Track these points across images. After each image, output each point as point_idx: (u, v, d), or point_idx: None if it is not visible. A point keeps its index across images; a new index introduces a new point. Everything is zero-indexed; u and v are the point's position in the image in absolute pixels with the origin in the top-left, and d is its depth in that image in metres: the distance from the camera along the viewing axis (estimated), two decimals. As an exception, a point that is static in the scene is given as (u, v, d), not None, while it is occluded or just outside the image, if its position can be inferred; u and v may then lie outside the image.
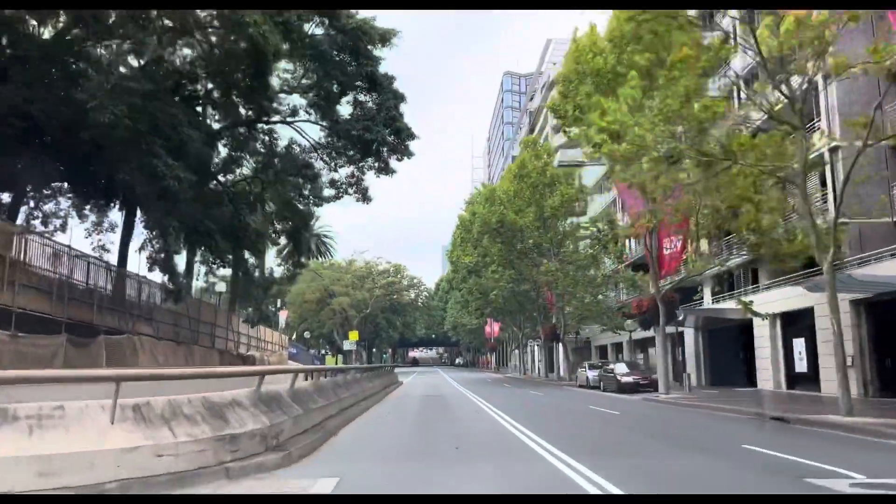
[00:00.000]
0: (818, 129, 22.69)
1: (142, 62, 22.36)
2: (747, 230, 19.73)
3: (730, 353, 32.53)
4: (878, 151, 19.94)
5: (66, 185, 26.22)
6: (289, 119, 29.48)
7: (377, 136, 26.66)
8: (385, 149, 28.67)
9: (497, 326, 71.56)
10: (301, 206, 29.58)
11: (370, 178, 32.17)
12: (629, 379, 27.25)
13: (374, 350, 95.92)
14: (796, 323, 25.60)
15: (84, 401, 6.24)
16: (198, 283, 39.05)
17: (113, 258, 25.42)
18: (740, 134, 17.53)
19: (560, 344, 44.55)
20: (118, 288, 21.53)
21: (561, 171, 37.52)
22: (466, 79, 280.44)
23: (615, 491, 6.50)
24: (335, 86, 27.88)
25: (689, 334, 33.96)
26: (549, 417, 16.35)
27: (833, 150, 21.86)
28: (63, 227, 28.47)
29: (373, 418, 15.40)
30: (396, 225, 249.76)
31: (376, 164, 29.40)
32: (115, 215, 28.04)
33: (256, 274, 32.53)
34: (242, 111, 28.37)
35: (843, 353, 13.54)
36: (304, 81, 28.55)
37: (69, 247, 18.64)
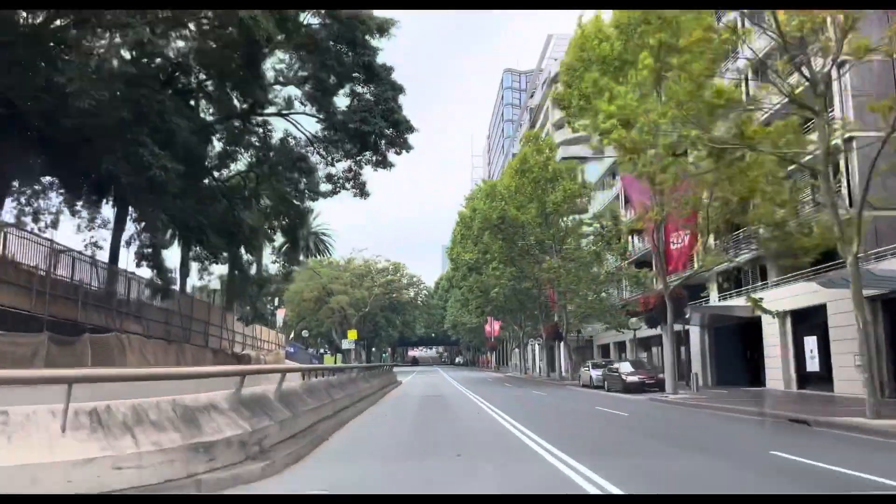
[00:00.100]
0: (831, 117, 21.91)
1: (134, 53, 21.58)
2: (760, 223, 18.96)
3: (736, 351, 31.76)
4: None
5: (56, 180, 25.42)
6: (284, 112, 28.67)
7: (374, 127, 25.85)
8: (383, 142, 27.85)
9: (497, 325, 70.79)
10: (297, 202, 28.73)
11: (368, 173, 31.28)
12: (635, 378, 26.47)
13: (373, 349, 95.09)
14: (807, 320, 24.82)
15: (32, 406, 5.44)
16: (194, 282, 38.36)
17: (106, 255, 24.69)
18: (751, 121, 16.77)
19: (562, 343, 43.77)
20: (106, 284, 20.73)
21: (563, 165, 36.69)
22: (466, 78, 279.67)
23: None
24: (331, 77, 27.06)
25: (694, 332, 33.17)
26: (554, 419, 15.57)
27: (847, 141, 21.06)
28: (55, 224, 27.66)
29: (369, 420, 14.62)
30: (396, 225, 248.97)
31: (374, 158, 28.59)
32: (110, 212, 27.38)
33: (252, 271, 31.72)
34: (237, 103, 27.56)
35: (869, 351, 12.75)
36: (299, 73, 27.73)
37: (52, 241, 17.83)
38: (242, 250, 30.45)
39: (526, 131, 45.43)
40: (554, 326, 41.13)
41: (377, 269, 74.99)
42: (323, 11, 25.16)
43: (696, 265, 22.76)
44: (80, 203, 27.07)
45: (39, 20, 20.19)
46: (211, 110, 28.47)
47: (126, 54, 21.33)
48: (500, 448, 9.88)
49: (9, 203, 24.66)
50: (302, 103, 27.45)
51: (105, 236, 27.37)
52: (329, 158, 30.41)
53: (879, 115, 12.58)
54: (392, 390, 29.03)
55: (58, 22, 18.85)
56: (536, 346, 62.16)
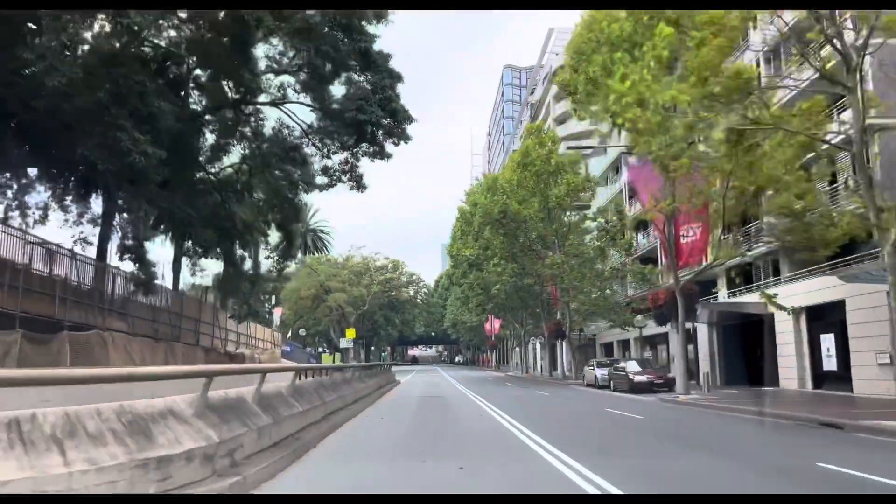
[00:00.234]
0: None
1: (124, 40, 20.50)
2: (779, 214, 17.90)
3: (746, 350, 30.67)
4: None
5: (43, 174, 24.30)
6: (278, 101, 27.61)
7: (371, 116, 24.77)
8: (381, 132, 26.78)
9: (498, 323, 69.76)
10: (290, 194, 27.64)
11: (366, 166, 30.41)
12: (642, 378, 25.41)
13: (372, 348, 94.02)
14: (824, 317, 23.76)
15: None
16: (187, 278, 37.25)
17: (95, 251, 23.60)
18: (772, 103, 15.73)
19: (564, 341, 42.70)
20: (93, 279, 19.65)
21: (566, 159, 35.56)
22: (466, 77, 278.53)
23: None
24: (327, 65, 25.99)
25: (702, 330, 32.07)
26: (562, 422, 14.50)
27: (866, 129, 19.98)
28: (43, 219, 26.56)
29: (363, 424, 13.55)
30: (395, 225, 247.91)
31: (371, 149, 27.53)
32: (100, 207, 26.27)
33: (246, 267, 30.62)
34: (228, 92, 26.50)
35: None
36: (294, 61, 26.61)
37: (25, 231, 16.75)
38: (236, 245, 29.38)
39: (528, 124, 44.29)
40: (557, 324, 40.04)
41: (376, 267, 73.91)
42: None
43: (708, 259, 21.66)
44: (69, 198, 26.07)
45: None
46: (204, 102, 27.44)
47: (116, 43, 20.40)
48: (508, 457, 8.86)
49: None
50: (295, 91, 26.38)
51: (95, 232, 26.39)
52: (325, 150, 29.36)
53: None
54: (390, 390, 27.95)
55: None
56: (538, 344, 61.09)
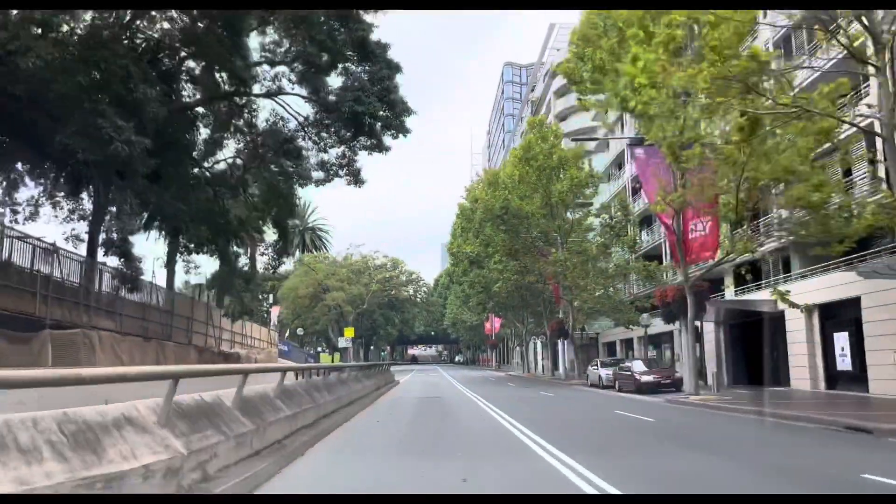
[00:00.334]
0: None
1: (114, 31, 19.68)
2: (796, 206, 17.11)
3: (754, 349, 29.83)
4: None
5: (34, 170, 23.45)
6: (273, 93, 26.75)
7: (369, 107, 23.93)
8: (378, 124, 25.94)
9: (498, 323, 68.93)
10: (286, 189, 26.79)
11: (364, 163, 29.59)
12: (649, 378, 24.61)
13: (371, 348, 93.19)
14: (837, 315, 22.96)
15: None
16: (184, 276, 36.46)
17: (88, 248, 22.78)
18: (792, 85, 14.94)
19: (566, 340, 41.87)
20: (71, 276, 18.83)
21: (570, 153, 34.68)
22: (466, 77, 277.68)
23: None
24: (323, 56, 25.19)
25: (708, 329, 31.28)
26: (572, 427, 13.67)
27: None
28: (33, 216, 25.73)
29: (358, 428, 12.73)
30: (395, 226, 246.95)
31: (369, 143, 26.70)
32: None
33: (240, 264, 29.77)
34: (221, 84, 25.67)
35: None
36: (290, 51, 25.74)
37: (3, 225, 15.92)
38: (230, 242, 28.53)
39: (530, 117, 43.44)
40: (559, 323, 39.20)
41: (375, 266, 73.05)
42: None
43: (719, 254, 20.83)
44: (61, 194, 25.24)
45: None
46: (197, 96, 26.63)
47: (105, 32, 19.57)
48: (517, 466, 8.06)
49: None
50: (290, 81, 25.52)
51: (88, 228, 25.54)
52: (321, 144, 28.52)
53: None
54: (388, 391, 27.13)
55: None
56: (539, 343, 60.26)
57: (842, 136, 18.01)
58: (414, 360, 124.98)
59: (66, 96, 13.49)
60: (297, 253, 72.94)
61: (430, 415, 16.11)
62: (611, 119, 22.51)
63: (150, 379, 5.32)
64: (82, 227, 24.32)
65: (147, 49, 23.03)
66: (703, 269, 21.53)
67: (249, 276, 28.33)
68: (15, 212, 24.84)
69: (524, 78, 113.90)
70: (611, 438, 11.21)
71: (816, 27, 12.72)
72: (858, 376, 21.21)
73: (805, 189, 16.44)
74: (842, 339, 22.50)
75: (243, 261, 29.61)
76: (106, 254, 18.12)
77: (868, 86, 17.88)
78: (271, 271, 30.04)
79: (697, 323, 28.89)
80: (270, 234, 31.71)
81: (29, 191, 25.36)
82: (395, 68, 25.94)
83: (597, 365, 31.01)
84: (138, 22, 21.49)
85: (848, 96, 12.86)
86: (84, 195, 24.54)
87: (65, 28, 13.56)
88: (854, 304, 21.28)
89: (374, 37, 25.55)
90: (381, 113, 25.58)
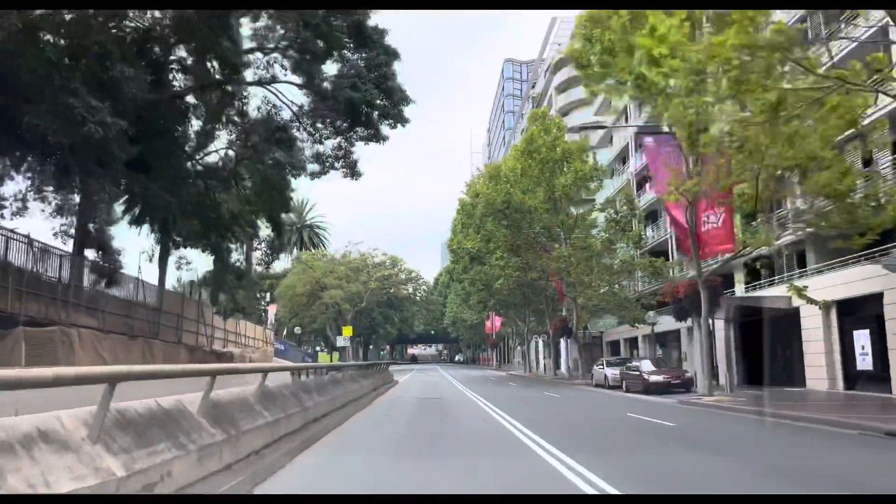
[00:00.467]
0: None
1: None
2: (819, 194, 16.04)
3: (766, 348, 28.73)
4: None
5: (17, 158, 22.33)
6: (265, 81, 25.66)
7: (365, 94, 22.86)
8: (376, 113, 24.88)
9: (499, 321, 67.88)
10: (279, 181, 25.70)
11: (363, 162, 28.46)
12: (658, 378, 23.56)
13: (370, 347, 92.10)
14: (857, 312, 21.88)
15: None
16: (176, 272, 35.25)
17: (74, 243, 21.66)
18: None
19: (569, 339, 40.82)
20: (50, 270, 17.75)
21: (573, 145, 33.58)
22: (465, 76, 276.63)
23: None
24: (318, 42, 24.13)
25: (718, 327, 30.14)
26: (584, 432, 12.58)
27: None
28: (21, 211, 24.62)
29: (351, 433, 11.64)
30: (394, 226, 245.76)
31: (366, 133, 25.63)
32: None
33: (233, 260, 28.67)
34: (212, 71, 24.60)
35: None
36: (284, 35, 24.63)
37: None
38: (222, 237, 27.43)
39: (532, 109, 42.36)
40: (562, 321, 38.11)
41: (374, 263, 71.95)
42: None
43: (733, 248, 19.75)
44: (49, 189, 24.16)
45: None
46: (189, 85, 25.55)
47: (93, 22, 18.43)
48: (530, 479, 6.98)
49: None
50: (283, 67, 24.44)
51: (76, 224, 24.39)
52: (317, 135, 27.49)
53: None
54: (386, 392, 26.06)
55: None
56: (540, 342, 59.20)
57: (865, 122, 17.02)
58: (413, 359, 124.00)
59: (34, 73, 12.41)
60: (295, 251, 71.89)
61: (428, 418, 15.04)
62: (620, 105, 21.40)
63: (62, 384, 4.21)
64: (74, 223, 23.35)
65: (136, 39, 22.00)
66: (718, 263, 20.45)
67: (242, 272, 27.24)
68: (1, 206, 23.78)
69: (525, 75, 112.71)
70: (629, 447, 10.11)
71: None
72: (880, 376, 20.14)
73: (832, 176, 15.39)
74: (862, 337, 21.41)
75: (236, 256, 28.51)
76: (82, 246, 16.99)
77: None
78: (265, 267, 28.86)
79: (710, 321, 27.84)
80: (265, 229, 30.58)
81: (17, 185, 24.35)
82: (393, 55, 24.88)
83: (602, 364, 29.94)
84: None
85: (884, 71, 11.74)
86: (74, 189, 23.54)
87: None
88: (876, 299, 20.21)
89: (370, 22, 24.59)
90: (379, 101, 24.55)
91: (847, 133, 17.25)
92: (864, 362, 21.27)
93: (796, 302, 23.85)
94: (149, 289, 25.17)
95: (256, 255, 36.78)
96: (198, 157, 27.15)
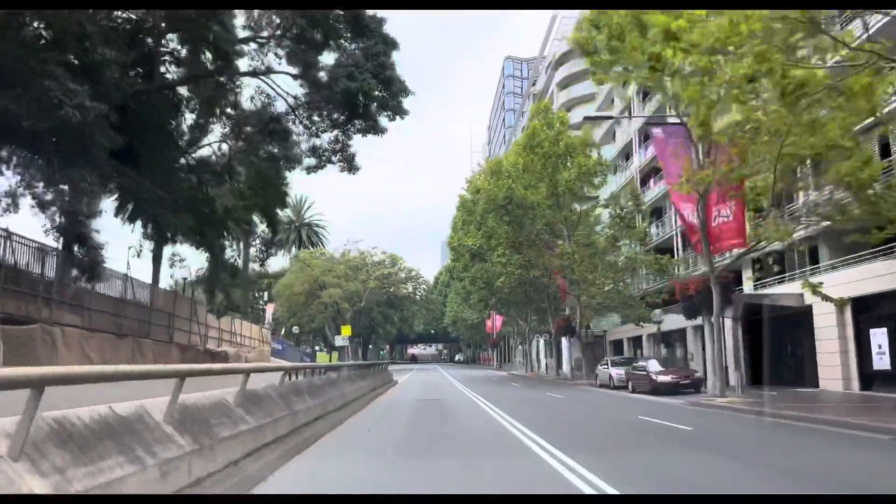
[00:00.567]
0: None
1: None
2: (841, 184, 15.23)
3: (776, 347, 27.97)
4: None
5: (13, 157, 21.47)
6: (260, 71, 24.83)
7: (363, 84, 22.03)
8: (374, 105, 24.06)
9: (500, 320, 67.07)
10: (273, 175, 24.88)
11: (359, 148, 27.66)
12: (666, 378, 22.74)
13: (370, 346, 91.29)
14: (873, 309, 21.06)
15: None
16: (169, 270, 34.42)
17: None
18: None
19: (572, 338, 39.98)
20: (31, 266, 16.91)
21: (577, 140, 32.73)
22: (465, 77, 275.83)
23: None
24: (316, 32, 23.32)
25: (726, 326, 29.33)
26: (597, 438, 11.75)
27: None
28: (12, 207, 23.79)
29: (344, 439, 10.82)
30: (394, 226, 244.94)
31: (364, 125, 24.80)
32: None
33: (227, 257, 27.83)
34: (205, 61, 23.80)
35: None
36: (279, 24, 23.80)
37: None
38: (215, 233, 26.59)
39: (535, 103, 41.52)
40: (565, 320, 37.28)
41: (373, 262, 71.09)
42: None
43: (749, 241, 18.93)
44: (39, 184, 23.32)
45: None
46: (181, 75, 24.75)
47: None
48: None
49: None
50: (277, 55, 23.61)
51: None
52: (313, 129, 26.67)
53: None
54: (385, 392, 25.25)
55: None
56: (541, 342, 58.37)
57: (885, 111, 16.25)
58: (414, 359, 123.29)
59: (6, 54, 11.60)
60: (294, 249, 71.08)
61: (428, 421, 14.23)
62: (628, 93, 20.57)
63: (5, 388, 3.41)
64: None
65: (128, 30, 21.25)
66: (730, 259, 19.62)
67: (236, 269, 26.39)
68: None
69: (525, 72, 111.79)
70: (650, 456, 9.28)
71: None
72: (898, 376, 19.36)
73: (854, 165, 14.60)
74: (878, 336, 20.58)
75: (230, 253, 27.66)
76: (65, 240, 16.15)
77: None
78: (260, 264, 28.03)
79: (719, 319, 26.99)
80: (261, 226, 29.73)
81: (7, 180, 23.53)
82: (392, 44, 24.07)
83: (607, 364, 29.11)
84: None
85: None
86: (58, 181, 22.70)
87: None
88: (893, 297, 19.45)
89: (369, 11, 23.77)
90: (377, 93, 23.72)
91: (867, 121, 16.54)
92: (881, 362, 20.44)
93: (809, 299, 23.01)
94: (140, 286, 24.36)
95: (252, 252, 36.00)
96: (191, 151, 26.36)
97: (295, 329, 61.90)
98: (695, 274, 24.15)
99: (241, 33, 24.04)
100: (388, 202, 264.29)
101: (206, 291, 29.87)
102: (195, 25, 21.04)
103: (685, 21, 10.03)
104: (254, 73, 24.77)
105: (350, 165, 26.83)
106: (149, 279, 26.23)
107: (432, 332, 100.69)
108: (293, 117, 26.21)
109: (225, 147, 26.49)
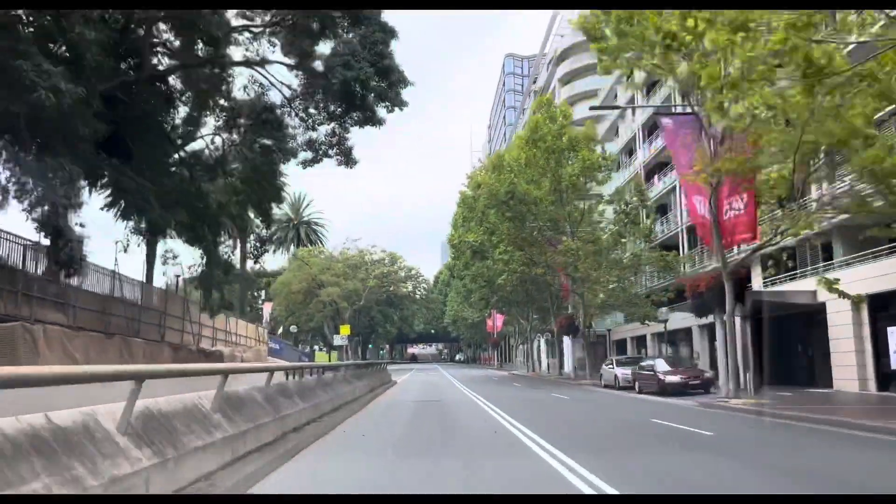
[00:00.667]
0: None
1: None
2: (865, 172, 14.43)
3: (786, 347, 27.15)
4: None
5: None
6: (254, 61, 24.01)
7: (360, 72, 21.20)
8: (371, 95, 23.23)
9: (500, 320, 66.27)
10: (267, 168, 24.06)
11: (358, 148, 26.81)
12: (675, 378, 21.90)
13: (370, 346, 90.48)
14: (890, 307, 20.26)
15: None
16: (164, 268, 33.54)
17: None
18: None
19: (575, 337, 39.16)
20: (12, 260, 16.09)
21: (581, 134, 31.90)
22: (465, 76, 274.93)
23: None
24: (312, 21, 22.52)
25: (735, 324, 28.53)
26: (611, 443, 10.91)
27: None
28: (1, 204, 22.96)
29: (335, 446, 10.00)
30: (394, 226, 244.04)
31: (361, 116, 23.99)
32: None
33: (221, 253, 26.99)
34: (196, 51, 22.98)
35: None
36: (275, 12, 22.98)
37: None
38: (207, 229, 25.75)
39: (537, 97, 40.70)
40: (568, 318, 36.45)
41: (372, 260, 70.24)
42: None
43: (758, 237, 18.11)
44: (28, 179, 22.50)
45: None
46: (172, 63, 23.94)
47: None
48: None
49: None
50: (271, 43, 22.77)
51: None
52: (310, 121, 25.89)
53: None
54: (383, 393, 24.45)
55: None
56: (542, 341, 57.55)
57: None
58: (414, 358, 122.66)
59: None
60: (292, 247, 70.24)
61: (427, 425, 13.41)
62: (637, 79, 19.77)
63: None
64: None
65: (117, 18, 20.41)
66: (745, 253, 18.82)
67: (230, 265, 25.56)
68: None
69: (526, 69, 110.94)
70: (674, 466, 8.43)
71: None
72: (918, 376, 18.55)
73: (877, 154, 13.79)
74: (897, 335, 19.79)
75: (224, 250, 26.85)
76: (45, 234, 15.33)
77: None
78: (254, 260, 27.22)
79: (727, 318, 26.17)
80: (256, 221, 28.90)
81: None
82: (390, 32, 23.27)
83: (612, 364, 28.29)
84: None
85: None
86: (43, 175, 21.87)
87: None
88: (914, 293, 18.63)
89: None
90: (374, 83, 22.89)
91: (889, 108, 15.79)
92: (900, 362, 19.65)
93: (822, 297, 22.23)
94: (130, 283, 23.52)
95: (248, 248, 35.24)
96: (183, 144, 25.55)
97: (293, 328, 61.04)
98: (705, 270, 23.28)
99: (235, 21, 23.26)
100: (388, 202, 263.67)
101: (199, 289, 29.05)
102: (186, 11, 20.24)
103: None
104: (248, 63, 23.96)
105: (347, 159, 26.05)
106: (139, 276, 25.44)
107: (432, 331, 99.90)
108: (289, 109, 25.43)
109: (218, 140, 25.70)
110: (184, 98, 25.50)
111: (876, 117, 15.52)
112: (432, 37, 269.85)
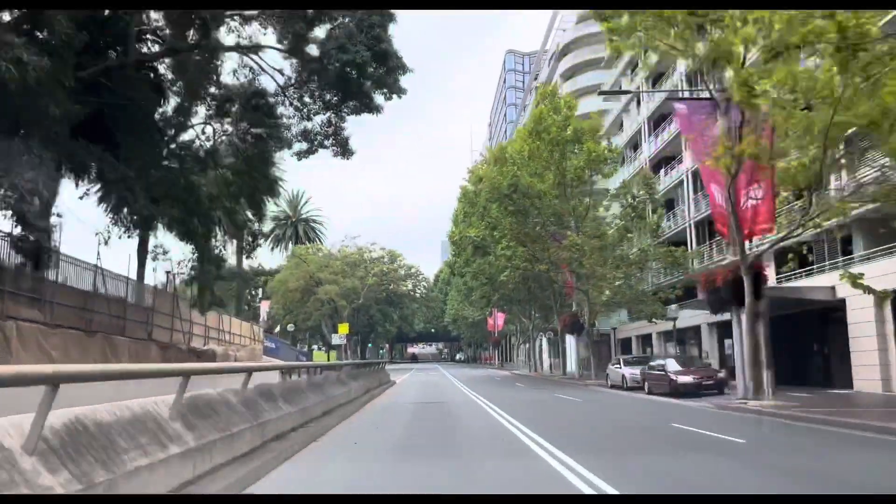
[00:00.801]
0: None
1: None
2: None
3: (801, 346, 26.13)
4: None
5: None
6: (246, 46, 22.93)
7: (355, 56, 20.12)
8: (368, 82, 22.15)
9: (502, 318, 65.21)
10: (259, 158, 23.00)
11: (356, 142, 25.64)
12: (687, 379, 20.82)
13: (369, 345, 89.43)
14: (915, 304, 19.21)
15: None
16: (155, 264, 32.48)
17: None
18: None
19: (579, 336, 38.06)
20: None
21: (586, 125, 30.81)
22: (465, 76, 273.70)
23: None
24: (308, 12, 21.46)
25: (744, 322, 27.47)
26: (629, 450, 9.87)
27: None
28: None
29: (321, 458, 8.92)
30: (394, 226, 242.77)
31: (357, 104, 22.93)
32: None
33: (212, 247, 25.92)
34: (186, 35, 21.92)
35: None
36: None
37: None
38: (198, 223, 24.67)
39: (540, 87, 39.60)
40: (572, 317, 35.35)
41: (371, 258, 69.15)
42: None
43: (779, 228, 17.04)
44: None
45: None
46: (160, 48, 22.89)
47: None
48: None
49: None
50: (261, 24, 21.68)
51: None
52: (305, 111, 24.82)
53: None
54: (381, 394, 23.38)
55: None
56: (545, 340, 56.46)
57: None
58: (414, 358, 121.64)
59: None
60: (290, 245, 69.18)
61: (427, 431, 12.35)
62: (652, 60, 18.72)
63: None
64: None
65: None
66: (771, 242, 17.74)
67: (220, 260, 24.49)
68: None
69: (527, 66, 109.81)
70: (717, 482, 7.34)
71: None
72: (948, 377, 17.48)
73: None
74: (924, 333, 18.73)
75: (215, 244, 25.74)
76: (13, 220, 14.24)
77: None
78: (247, 255, 26.16)
79: (737, 315, 25.08)
80: (247, 214, 27.81)
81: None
82: (388, 16, 22.18)
83: (619, 363, 27.21)
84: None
85: None
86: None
87: None
88: (942, 288, 17.56)
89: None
90: (371, 69, 21.81)
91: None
92: (927, 361, 18.59)
93: (841, 293, 21.19)
94: (115, 279, 22.43)
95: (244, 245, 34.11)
96: (173, 135, 24.49)
97: (290, 327, 59.95)
98: (722, 263, 22.20)
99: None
100: (388, 202, 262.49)
101: (189, 285, 27.96)
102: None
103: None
104: (240, 48, 22.90)
105: (344, 150, 24.99)
106: (131, 272, 24.38)
107: (432, 330, 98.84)
108: (283, 98, 24.39)
109: (209, 130, 24.65)
110: (174, 88, 24.50)
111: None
112: (432, 37, 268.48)
